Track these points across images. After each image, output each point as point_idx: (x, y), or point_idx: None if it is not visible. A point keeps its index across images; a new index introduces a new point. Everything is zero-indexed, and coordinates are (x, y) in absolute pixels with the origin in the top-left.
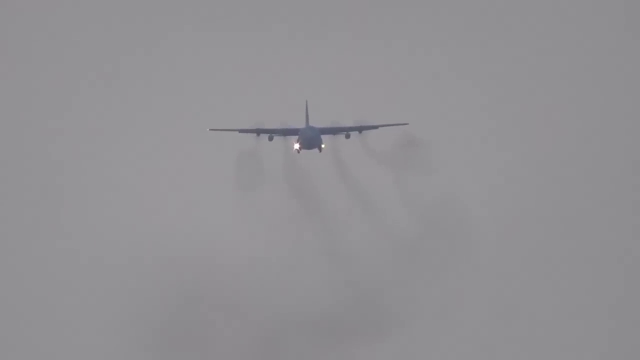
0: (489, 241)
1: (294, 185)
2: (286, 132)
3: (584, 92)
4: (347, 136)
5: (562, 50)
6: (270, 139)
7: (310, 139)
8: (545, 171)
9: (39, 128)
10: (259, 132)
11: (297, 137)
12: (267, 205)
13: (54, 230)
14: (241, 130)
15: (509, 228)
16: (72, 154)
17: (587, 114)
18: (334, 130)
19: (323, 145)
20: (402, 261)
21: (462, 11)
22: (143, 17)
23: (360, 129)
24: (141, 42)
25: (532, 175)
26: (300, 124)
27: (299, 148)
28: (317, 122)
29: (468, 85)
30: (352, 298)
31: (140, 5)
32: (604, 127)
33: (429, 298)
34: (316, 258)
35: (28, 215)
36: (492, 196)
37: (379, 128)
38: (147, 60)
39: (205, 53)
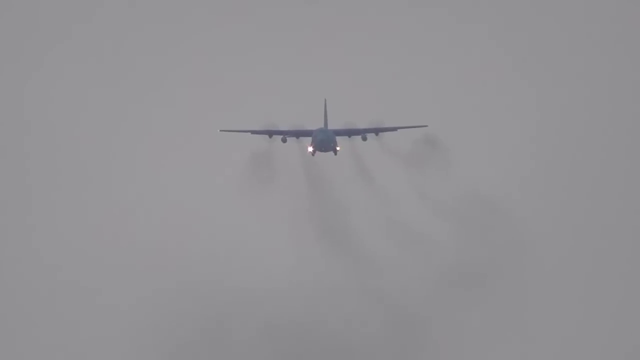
0: (523, 250)
1: (309, 190)
2: (299, 134)
3: (610, 91)
4: (364, 138)
5: (587, 51)
6: (284, 140)
7: (322, 141)
8: (581, 172)
9: (51, 129)
10: (271, 133)
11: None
12: (281, 210)
13: (66, 247)
14: (253, 132)
15: (547, 233)
16: (86, 160)
17: (616, 112)
18: (349, 132)
19: (338, 148)
20: (428, 271)
21: (480, 12)
22: (157, 17)
23: (377, 131)
24: (155, 43)
25: (566, 177)
26: (317, 124)
27: (313, 151)
28: (332, 123)
29: (488, 85)
30: (379, 311)
31: (154, 6)
32: (635, 126)
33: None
34: (336, 267)
35: (44, 239)
36: (516, 198)
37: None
38: (160, 61)
39: (219, 52)
